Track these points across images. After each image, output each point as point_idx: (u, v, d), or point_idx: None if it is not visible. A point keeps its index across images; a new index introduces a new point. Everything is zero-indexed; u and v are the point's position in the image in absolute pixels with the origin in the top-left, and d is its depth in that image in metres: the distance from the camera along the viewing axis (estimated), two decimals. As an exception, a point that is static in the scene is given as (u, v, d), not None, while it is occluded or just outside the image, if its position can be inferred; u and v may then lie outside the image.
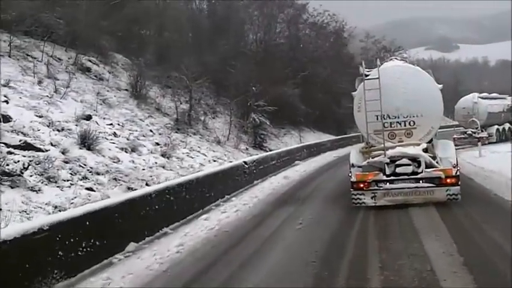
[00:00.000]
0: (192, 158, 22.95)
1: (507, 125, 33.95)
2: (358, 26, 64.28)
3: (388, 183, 11.10)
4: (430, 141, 12.13)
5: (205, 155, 24.55)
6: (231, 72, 37.00)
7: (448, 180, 10.81)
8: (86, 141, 16.75)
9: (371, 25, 69.52)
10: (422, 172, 10.95)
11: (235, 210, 12.60)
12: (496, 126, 32.71)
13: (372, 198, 11.10)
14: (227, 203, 13.97)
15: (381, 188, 11.10)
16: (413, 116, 11.59)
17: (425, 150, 11.41)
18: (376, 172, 11.16)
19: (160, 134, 24.18)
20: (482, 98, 33.37)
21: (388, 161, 11.11)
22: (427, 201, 10.98)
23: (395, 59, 15.38)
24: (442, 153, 11.64)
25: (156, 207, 10.84)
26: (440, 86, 12.29)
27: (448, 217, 10.08)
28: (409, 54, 79.60)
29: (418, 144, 11.44)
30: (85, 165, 15.43)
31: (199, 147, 25.46)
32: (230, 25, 44.24)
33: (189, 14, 44.56)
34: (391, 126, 11.64)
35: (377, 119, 11.50)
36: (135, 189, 14.09)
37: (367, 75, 11.86)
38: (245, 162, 19.35)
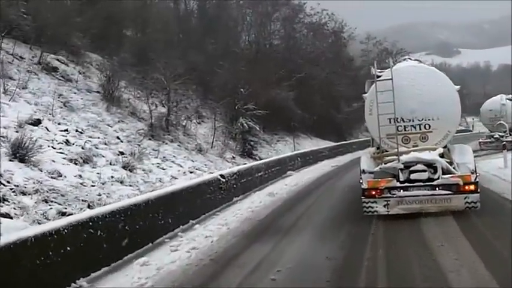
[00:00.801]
0: (164, 169, 19.55)
1: None
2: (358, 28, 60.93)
3: (402, 191, 10.47)
4: (445, 146, 11.34)
5: (181, 166, 21.14)
6: (219, 73, 33.67)
7: (467, 187, 10.19)
8: (19, 151, 13.36)
9: (370, 30, 66.23)
10: (438, 178, 10.33)
11: (191, 247, 9.14)
12: None
13: (384, 206, 10.44)
14: (186, 234, 10.52)
15: (395, 196, 10.45)
16: (429, 119, 10.97)
17: (442, 156, 10.79)
18: (389, 179, 10.54)
19: (129, 141, 20.83)
20: (509, 99, 31.48)
21: (402, 166, 10.49)
22: (444, 210, 10.41)
23: (409, 59, 14.17)
24: (459, 159, 11.09)
25: (68, 249, 7.42)
26: (458, 87, 11.56)
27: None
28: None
29: (434, 149, 10.81)
30: (9, 182, 12.02)
31: (174, 156, 22.04)
32: (220, 24, 41.05)
33: (176, 13, 41.34)
34: (405, 130, 11.07)
35: (390, 122, 10.88)
36: (70, 214, 10.73)
37: (379, 76, 11.18)
38: (222, 176, 15.91)
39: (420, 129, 11.07)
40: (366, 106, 11.69)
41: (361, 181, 11.04)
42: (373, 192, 10.53)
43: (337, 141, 43.58)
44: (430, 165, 10.44)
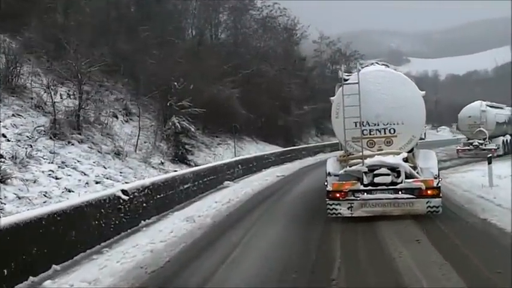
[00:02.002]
0: (58, 179, 14.98)
1: (508, 137, 31.41)
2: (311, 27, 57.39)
3: (365, 194, 10.62)
4: (411, 151, 11.51)
5: (85, 174, 16.58)
6: (151, 64, 29.11)
7: (429, 192, 10.36)
8: None
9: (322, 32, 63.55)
10: (401, 182, 10.47)
11: None
12: (502, 138, 30.27)
13: (348, 208, 10.60)
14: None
15: (358, 198, 10.61)
16: (394, 124, 11.05)
17: (406, 160, 10.86)
18: (354, 181, 10.72)
19: (19, 140, 16.15)
20: (489, 106, 30.81)
21: (366, 170, 10.61)
22: (407, 213, 10.46)
23: (377, 63, 13.64)
24: (423, 163, 11.31)
25: None
26: (423, 92, 11.72)
27: None
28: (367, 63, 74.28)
29: (398, 153, 10.85)
30: None
31: (79, 161, 17.42)
32: (162, 11, 36.37)
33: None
34: (370, 134, 11.13)
35: (356, 125, 10.97)
36: None
37: (346, 80, 11.21)
38: (124, 192, 11.58)
39: (385, 133, 11.10)
40: (333, 109, 11.59)
41: (326, 183, 11.07)
42: (338, 195, 10.65)
43: (286, 146, 39.66)
44: (394, 169, 10.53)
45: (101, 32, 29.92)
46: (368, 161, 10.67)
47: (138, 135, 23.70)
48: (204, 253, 8.68)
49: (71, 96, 21.10)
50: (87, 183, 15.78)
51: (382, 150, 11.05)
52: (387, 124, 11.05)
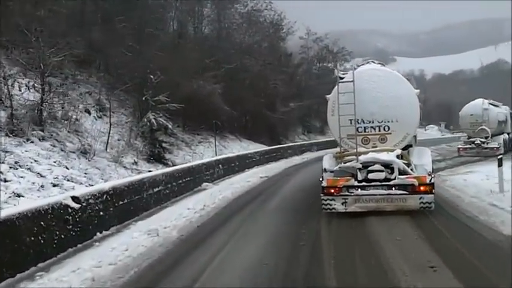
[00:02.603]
0: (7, 181, 13.06)
1: (506, 135, 31.24)
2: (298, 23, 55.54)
3: (359, 189, 10.76)
4: (406, 148, 11.78)
5: (42, 176, 14.64)
6: (128, 57, 27.14)
7: (422, 188, 10.51)
8: None
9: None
10: (395, 179, 10.61)
11: None
12: (502, 136, 30.16)
13: (342, 204, 10.77)
14: None
15: (352, 194, 10.76)
16: (388, 122, 11.28)
17: (400, 157, 11.05)
18: (348, 177, 10.85)
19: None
20: (492, 104, 30.89)
21: (360, 166, 10.80)
22: (400, 209, 10.57)
23: (373, 62, 13.59)
24: (417, 160, 11.42)
25: None
26: (417, 91, 11.82)
27: None
28: (353, 63, 72.86)
29: (392, 150, 11.07)
30: None
31: (36, 161, 15.46)
32: (139, 2, 34.29)
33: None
34: (365, 131, 11.35)
35: (351, 123, 11.17)
36: None
37: (342, 78, 11.42)
38: (75, 199, 9.71)
39: (379, 130, 11.32)
40: (329, 107, 11.80)
41: (321, 179, 11.21)
42: (332, 190, 10.80)
43: (271, 145, 37.85)
44: (388, 166, 10.70)
45: (74, 21, 27.96)
46: (362, 158, 10.88)
47: (109, 132, 21.79)
48: (159, 283, 6.83)
49: (33, 89, 19.04)
50: (42, 186, 13.86)
51: (376, 147, 11.27)
52: (382, 122, 11.28)
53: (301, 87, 54.40)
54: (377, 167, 10.71)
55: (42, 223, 8.45)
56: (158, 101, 24.23)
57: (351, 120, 11.12)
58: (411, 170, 10.94)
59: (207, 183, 19.38)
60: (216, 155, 27.06)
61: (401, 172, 10.71)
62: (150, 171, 20.84)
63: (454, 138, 56.66)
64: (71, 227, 9.36)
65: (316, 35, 61.30)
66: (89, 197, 10.33)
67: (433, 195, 10.53)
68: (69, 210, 9.44)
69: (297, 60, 58.71)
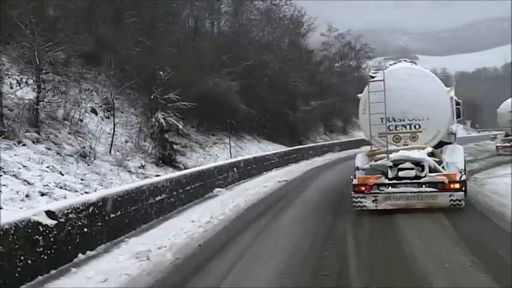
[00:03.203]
0: (-13, 190, 11.39)
1: None
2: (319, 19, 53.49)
3: (390, 187, 10.86)
4: (442, 145, 11.94)
5: (30, 183, 12.96)
6: (137, 53, 25.50)
7: (452, 186, 10.48)
8: None
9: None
10: (425, 176, 10.64)
11: None
12: None
13: (373, 201, 10.82)
14: None
15: (383, 192, 10.83)
16: (419, 120, 11.38)
17: (431, 155, 11.08)
18: (379, 175, 10.95)
19: None
20: None
21: (391, 164, 10.86)
22: (430, 206, 10.56)
23: (404, 61, 13.47)
24: (449, 158, 11.35)
25: None
26: (448, 88, 11.94)
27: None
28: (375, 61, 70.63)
29: (423, 148, 11.12)
30: None
31: (25, 166, 13.78)
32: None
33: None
34: (396, 129, 11.49)
35: (382, 121, 11.31)
36: None
37: (373, 77, 11.65)
38: (50, 214, 7.97)
39: (410, 128, 11.43)
40: (360, 105, 12.00)
41: (351, 177, 11.32)
42: (363, 188, 10.92)
43: (292, 145, 35.91)
44: (418, 164, 10.72)
45: (82, 16, 26.51)
46: (393, 156, 10.93)
47: (113, 133, 20.10)
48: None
49: (28, 87, 17.41)
50: (27, 195, 12.17)
51: (407, 145, 11.32)
52: (412, 120, 11.38)
53: (322, 85, 52.27)
54: (407, 164, 10.75)
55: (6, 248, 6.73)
56: (168, 100, 22.43)
57: (381, 118, 11.25)
58: (442, 167, 10.96)
59: (219, 189, 17.61)
60: (230, 157, 25.21)
61: (432, 170, 10.75)
62: (158, 175, 19.13)
63: (481, 137, 54.23)
64: (42, 249, 7.63)
65: (338, 31, 59.12)
66: (69, 210, 8.57)
67: (463, 192, 10.55)
68: (41, 228, 7.69)
69: (318, 57, 56.60)
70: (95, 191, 14.34)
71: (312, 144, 39.56)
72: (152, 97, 22.39)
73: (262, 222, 11.16)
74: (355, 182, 11.09)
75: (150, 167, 20.87)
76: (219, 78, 29.33)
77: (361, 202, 10.91)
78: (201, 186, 16.35)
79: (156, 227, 11.10)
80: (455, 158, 11.41)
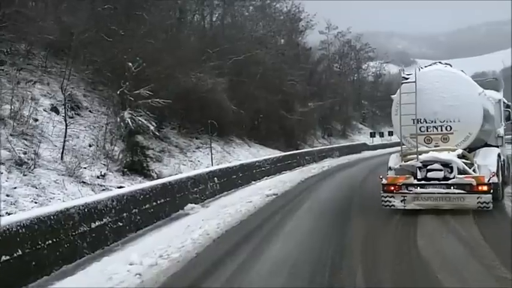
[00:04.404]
0: None
1: None
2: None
3: (418, 188, 10.95)
4: (474, 148, 11.88)
5: None
6: (108, 43, 22.08)
7: (480, 188, 10.45)
8: None
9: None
10: (453, 178, 10.71)
11: None
12: None
13: (401, 201, 10.92)
14: None
15: (411, 192, 10.93)
16: (451, 121, 11.49)
17: (462, 156, 11.18)
18: (408, 176, 11.11)
19: None
20: None
21: (420, 165, 11.03)
22: (457, 208, 10.61)
23: (439, 63, 13.05)
24: (481, 161, 11.33)
25: None
26: (481, 89, 11.98)
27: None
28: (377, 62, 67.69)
29: (454, 150, 11.23)
30: None
31: None
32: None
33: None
34: (427, 131, 11.66)
35: (413, 122, 11.48)
36: None
37: (406, 78, 11.72)
38: None
39: (442, 130, 11.54)
40: (393, 106, 12.08)
41: (381, 176, 11.40)
42: (392, 188, 11.01)
43: (287, 150, 32.48)
44: (447, 165, 10.77)
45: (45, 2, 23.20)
46: (422, 157, 11.07)
47: (65, 134, 16.57)
48: None
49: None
50: None
51: (438, 146, 11.50)
52: (444, 121, 11.51)
53: (321, 86, 48.92)
54: (436, 166, 10.84)
55: None
56: (139, 96, 18.97)
57: (413, 119, 11.38)
58: (473, 170, 10.96)
59: (192, 205, 14.21)
60: (212, 164, 21.70)
61: (461, 172, 10.77)
62: (120, 187, 15.77)
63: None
64: None
65: (338, 29, 55.78)
66: None
67: (490, 195, 10.41)
68: None
69: (316, 56, 53.22)
70: (25, 210, 10.96)
71: (308, 149, 35.95)
72: (119, 92, 18.85)
73: (232, 265, 7.65)
74: (384, 181, 11.16)
75: (114, 176, 17.39)
76: (203, 73, 25.77)
77: (389, 201, 11.01)
78: (166, 203, 12.91)
79: (76, 272, 7.62)
80: (488, 160, 11.34)
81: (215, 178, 17.14)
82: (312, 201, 14.27)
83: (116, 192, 11.08)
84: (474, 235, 8.99)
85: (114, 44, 21.83)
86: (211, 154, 22.14)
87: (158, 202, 12.43)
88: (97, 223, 9.41)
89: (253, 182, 20.55)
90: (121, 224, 10.34)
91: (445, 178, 10.74)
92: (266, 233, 10.07)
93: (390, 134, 55.18)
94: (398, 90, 11.75)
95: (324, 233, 9.77)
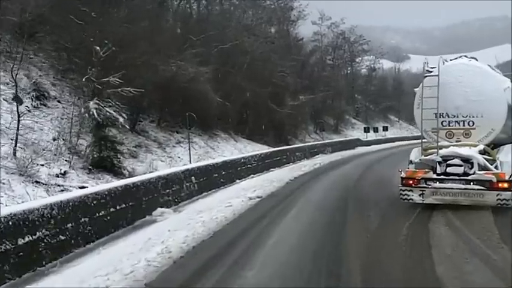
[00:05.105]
0: None
1: None
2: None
3: (437, 182, 10.74)
4: (499, 145, 11.65)
5: None
6: (79, 26, 19.97)
7: (500, 185, 10.15)
8: None
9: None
10: (473, 174, 10.46)
11: None
12: None
13: (420, 195, 10.77)
14: None
15: (430, 186, 10.74)
16: (473, 116, 11.26)
17: (484, 152, 10.95)
18: (427, 170, 10.90)
19: None
20: None
21: (440, 159, 10.82)
22: (476, 204, 10.36)
23: (464, 56, 12.64)
24: (504, 157, 10.97)
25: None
26: (508, 85, 11.51)
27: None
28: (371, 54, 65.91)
29: (475, 146, 11.03)
30: None
31: None
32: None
33: None
34: (449, 125, 11.47)
35: (435, 116, 11.26)
36: None
37: (430, 72, 11.51)
38: None
39: (464, 125, 11.32)
40: (415, 100, 11.86)
41: (400, 170, 11.30)
42: (410, 182, 10.85)
43: (277, 145, 30.51)
44: (467, 161, 10.56)
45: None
46: (442, 151, 10.84)
47: (18, 126, 14.47)
48: None
49: None
50: None
51: (460, 141, 11.25)
52: (466, 116, 11.24)
53: (313, 78, 46.82)
54: (456, 161, 10.63)
55: None
56: (109, 85, 16.90)
57: (435, 114, 11.15)
58: (495, 166, 10.61)
59: (163, 210, 12.30)
60: (190, 161, 19.64)
61: (482, 168, 10.48)
62: (83, 187, 13.79)
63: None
64: None
65: (331, 20, 53.77)
66: None
67: (511, 192, 9.99)
68: None
69: (309, 48, 51.17)
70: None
71: (299, 145, 33.96)
72: (84, 80, 16.77)
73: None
74: (403, 175, 11.03)
75: (78, 174, 15.39)
76: (184, 61, 23.64)
77: (407, 195, 10.84)
78: (128, 208, 10.94)
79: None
80: (510, 157, 10.86)
81: (192, 177, 15.15)
82: (300, 207, 12.22)
83: (57, 198, 9.00)
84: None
85: (85, 28, 19.66)
86: (190, 150, 20.04)
87: (118, 208, 10.46)
88: (27, 239, 7.42)
89: (237, 181, 18.67)
90: (63, 238, 8.37)
91: (465, 174, 10.51)
92: (241, 251, 8.08)
93: (385, 129, 53.57)
94: (421, 84, 11.57)
95: (312, 253, 7.82)
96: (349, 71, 63.62)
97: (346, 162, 25.95)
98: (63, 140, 17.19)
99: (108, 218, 10.00)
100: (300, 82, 41.85)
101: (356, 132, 52.76)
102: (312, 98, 42.15)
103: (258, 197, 13.93)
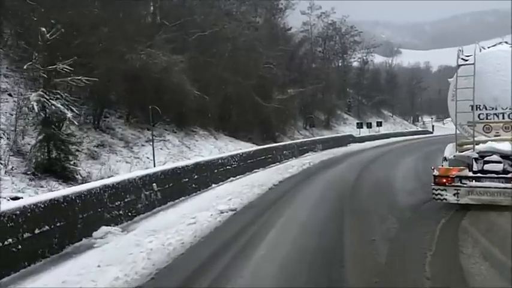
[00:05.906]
0: None
1: None
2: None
3: (474, 181, 10.07)
4: None
5: None
6: (30, 7, 17.23)
7: None
8: None
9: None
10: None
11: None
12: None
13: (454, 195, 10.05)
14: None
15: (465, 185, 10.04)
16: None
17: None
18: (462, 167, 10.29)
19: None
20: None
21: (476, 156, 10.23)
22: None
23: (505, 42, 11.56)
24: None
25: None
26: None
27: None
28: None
29: None
30: None
31: None
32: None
33: None
34: (487, 118, 10.65)
35: (471, 109, 10.47)
36: None
37: (465, 60, 10.69)
38: None
39: (503, 118, 10.52)
40: (449, 91, 11.26)
41: (432, 167, 10.67)
42: (444, 180, 10.18)
43: (263, 143, 27.94)
44: (507, 157, 9.92)
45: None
46: (479, 147, 10.26)
47: None
48: None
49: None
50: None
51: (499, 136, 10.54)
52: (506, 108, 10.45)
53: (302, 71, 44.22)
54: (494, 157, 9.91)
55: None
56: (57, 72, 14.16)
57: (471, 106, 10.40)
58: None
59: (108, 229, 9.76)
60: (154, 164, 16.88)
61: None
62: (16, 198, 11.12)
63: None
64: None
65: (321, 9, 51.22)
66: None
67: None
68: None
69: (298, 38, 48.57)
70: None
71: (287, 142, 31.29)
72: (26, 67, 14.03)
73: None
74: (436, 172, 10.22)
75: (14, 180, 12.69)
76: (154, 48, 20.90)
77: (441, 195, 10.06)
78: (55, 230, 8.35)
79: None
80: None
81: (154, 184, 12.53)
82: (280, 228, 9.48)
83: None
84: None
85: (35, 8, 16.92)
86: (153, 150, 17.28)
87: (36, 232, 7.82)
88: None
89: (213, 186, 16.21)
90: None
91: (504, 171, 9.83)
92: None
93: (379, 124, 51.26)
94: (455, 74, 10.88)
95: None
96: (340, 64, 61.19)
97: (339, 162, 23.41)
98: (7, 139, 14.57)
99: (19, 247, 7.36)
100: (288, 74, 39.25)
101: (348, 128, 50.42)
102: (301, 91, 39.67)
103: (232, 210, 11.28)
